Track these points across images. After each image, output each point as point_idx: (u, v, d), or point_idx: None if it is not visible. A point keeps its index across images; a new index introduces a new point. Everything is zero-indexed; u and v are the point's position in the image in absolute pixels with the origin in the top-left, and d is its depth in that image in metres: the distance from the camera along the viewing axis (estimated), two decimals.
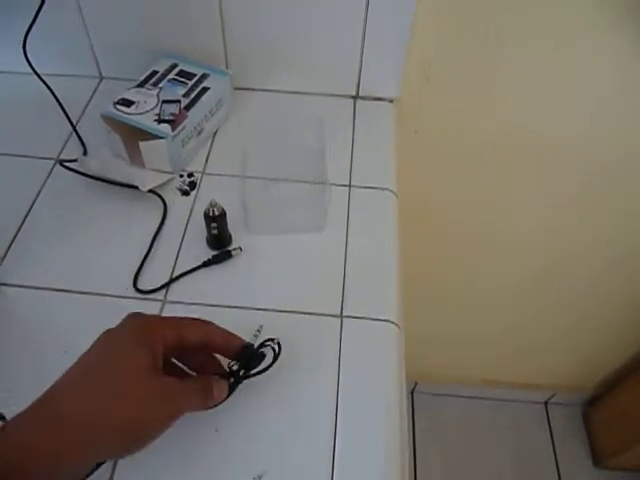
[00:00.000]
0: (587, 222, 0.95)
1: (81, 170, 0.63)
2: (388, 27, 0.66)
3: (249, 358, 0.45)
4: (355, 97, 0.75)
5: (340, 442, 0.46)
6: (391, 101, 0.75)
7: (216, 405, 0.43)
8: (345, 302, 0.55)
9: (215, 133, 0.70)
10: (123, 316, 0.42)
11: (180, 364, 0.45)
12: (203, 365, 0.45)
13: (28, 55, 0.62)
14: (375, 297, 0.55)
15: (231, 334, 0.44)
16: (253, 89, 0.75)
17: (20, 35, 0.61)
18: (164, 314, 0.53)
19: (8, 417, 0.41)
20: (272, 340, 0.46)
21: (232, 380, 0.44)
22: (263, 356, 0.45)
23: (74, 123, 0.67)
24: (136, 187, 0.61)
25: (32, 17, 0.60)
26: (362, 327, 0.53)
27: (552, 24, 0.66)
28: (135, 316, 0.41)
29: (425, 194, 0.90)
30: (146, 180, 0.62)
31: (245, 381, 0.45)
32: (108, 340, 0.39)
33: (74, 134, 0.67)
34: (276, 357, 0.46)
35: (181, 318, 0.43)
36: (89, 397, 0.35)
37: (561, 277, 1.09)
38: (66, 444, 0.33)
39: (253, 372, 0.45)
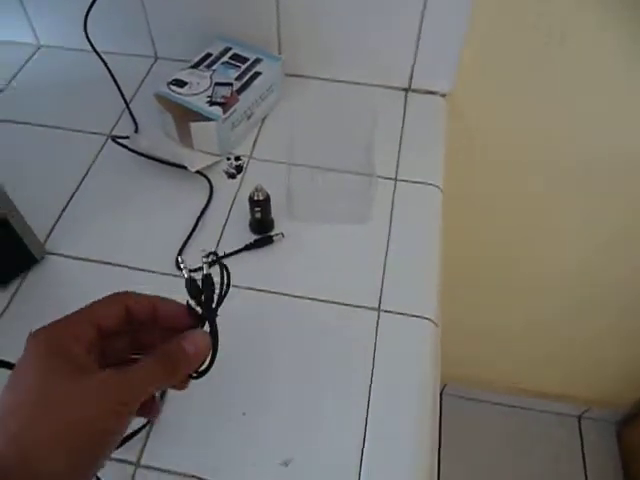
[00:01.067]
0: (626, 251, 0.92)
1: (132, 147, 0.64)
2: (445, 20, 0.65)
3: (198, 289, 0.36)
4: (407, 90, 0.74)
5: (370, 435, 0.46)
6: (443, 95, 0.73)
7: (210, 355, 0.35)
8: (384, 296, 0.54)
9: (264, 118, 0.70)
10: (162, 292, 0.41)
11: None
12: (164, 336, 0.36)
13: (88, 33, 0.64)
14: (415, 293, 0.55)
15: (159, 298, 0.36)
16: (304, 76, 0.75)
17: (81, 13, 0.62)
18: None
19: None
20: (207, 256, 0.37)
21: (207, 323, 0.36)
22: (210, 276, 0.36)
23: (128, 101, 0.68)
24: (184, 167, 0.61)
25: None
26: (399, 322, 0.52)
27: (622, 22, 0.63)
28: (34, 335, 0.34)
29: (471, 192, 0.87)
30: (194, 161, 0.62)
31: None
32: (15, 378, 0.32)
33: (127, 111, 0.68)
34: (223, 266, 0.36)
35: (91, 303, 0.36)
36: (18, 436, 0.29)
37: (605, 284, 1.05)
38: None
39: (216, 299, 0.36)
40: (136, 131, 0.67)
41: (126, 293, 0.36)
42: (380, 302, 0.54)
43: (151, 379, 0.33)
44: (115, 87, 0.67)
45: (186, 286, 0.35)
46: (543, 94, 0.73)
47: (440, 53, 0.69)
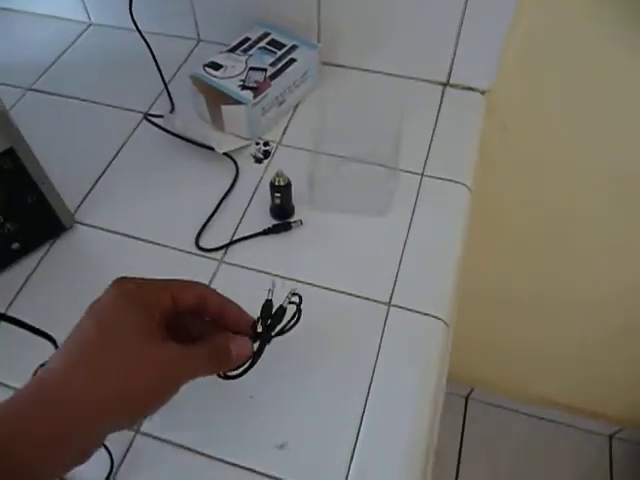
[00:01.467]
0: None
1: (164, 127, 0.66)
2: (488, 14, 0.63)
3: (270, 314, 0.42)
4: (445, 84, 0.72)
5: (365, 427, 0.46)
6: (482, 92, 0.71)
7: (246, 366, 0.40)
8: (396, 291, 0.54)
9: (297, 105, 0.70)
10: (181, 269, 0.43)
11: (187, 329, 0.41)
12: (210, 330, 0.40)
13: (133, 12, 0.66)
14: (427, 291, 0.54)
15: (229, 301, 0.40)
16: (342, 66, 0.74)
17: None
18: (219, 274, 0.55)
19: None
20: (293, 295, 0.43)
21: (259, 341, 0.41)
22: (284, 310, 0.42)
23: (166, 81, 0.70)
24: (212, 148, 0.63)
25: None
26: (408, 319, 0.52)
27: None
28: (122, 282, 0.37)
29: (504, 193, 0.85)
30: (223, 143, 0.63)
31: (280, 347, 0.42)
32: (99, 311, 0.35)
33: (165, 91, 0.70)
34: (299, 310, 0.42)
35: (172, 280, 0.39)
36: (87, 375, 0.33)
37: None
38: (64, 428, 0.31)
39: (278, 329, 0.42)
40: (172, 111, 0.69)
41: (207, 287, 0.41)
42: (391, 297, 0.53)
43: (200, 366, 0.37)
44: (156, 67, 0.69)
45: (263, 306, 0.42)
46: (588, 98, 0.70)
47: (481, 48, 0.67)
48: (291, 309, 0.42)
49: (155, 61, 0.68)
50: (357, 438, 0.45)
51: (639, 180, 0.77)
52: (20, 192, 0.51)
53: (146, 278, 0.37)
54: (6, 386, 0.48)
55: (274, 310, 0.42)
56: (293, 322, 0.42)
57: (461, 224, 0.60)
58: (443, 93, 0.71)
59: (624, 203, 0.81)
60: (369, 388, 0.48)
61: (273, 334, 0.41)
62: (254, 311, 0.42)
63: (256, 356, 0.40)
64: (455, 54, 0.68)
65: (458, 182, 0.62)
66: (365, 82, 0.73)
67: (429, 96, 0.71)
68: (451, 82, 0.72)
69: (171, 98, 0.70)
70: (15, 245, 0.54)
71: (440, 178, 0.63)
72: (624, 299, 1.01)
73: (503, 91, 0.71)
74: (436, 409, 0.50)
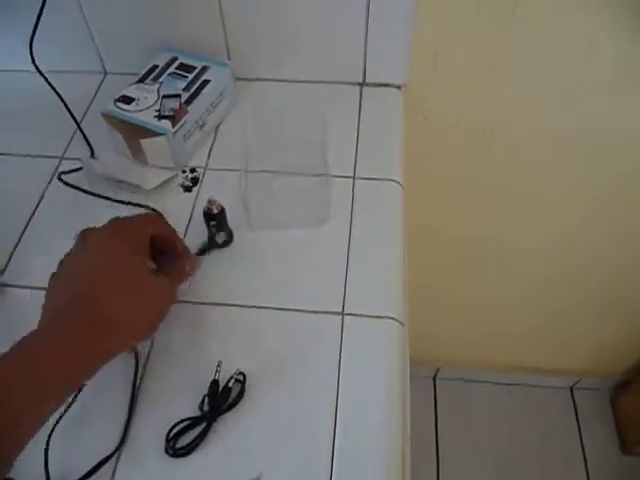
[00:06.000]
0: (607, 217, 0.92)
1: (86, 175, 0.63)
2: (392, 11, 0.64)
3: (215, 394, 0.47)
4: (362, 84, 0.73)
5: (339, 442, 0.46)
6: (399, 87, 0.72)
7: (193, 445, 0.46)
8: (347, 299, 0.54)
9: (218, 126, 0.69)
10: None
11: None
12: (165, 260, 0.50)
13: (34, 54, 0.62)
14: (377, 293, 0.54)
15: (174, 229, 0.51)
16: (257, 79, 0.74)
17: (22, 34, 0.61)
18: None
19: None
20: (237, 374, 0.48)
21: (205, 424, 0.46)
22: (229, 390, 0.47)
23: (79, 121, 0.67)
24: (139, 186, 0.61)
25: (35, 16, 0.60)
26: (363, 324, 0.52)
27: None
28: (119, 220, 0.47)
29: (433, 184, 0.87)
30: (148, 179, 0.61)
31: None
32: (104, 241, 0.44)
33: (79, 133, 0.67)
34: (243, 389, 0.48)
35: (145, 214, 0.52)
36: (119, 296, 0.42)
37: (589, 254, 1.05)
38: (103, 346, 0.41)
39: (223, 408, 0.47)
40: (92, 154, 0.66)
41: (161, 216, 0.52)
42: (344, 306, 0.53)
43: (176, 285, 0.51)
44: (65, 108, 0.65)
45: (210, 385, 0.47)
46: (499, 79, 0.72)
47: (391, 45, 0.68)
48: (237, 387, 0.47)
49: (64, 102, 0.64)
50: (332, 456, 0.45)
51: (562, 144, 0.80)
52: None
53: (131, 218, 0.48)
54: None
55: (220, 389, 0.47)
56: (234, 403, 0.47)
57: (399, 221, 0.61)
58: (361, 93, 0.72)
59: (551, 170, 0.85)
60: (336, 400, 0.48)
61: (219, 412, 0.46)
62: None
63: (204, 433, 0.45)
64: (366, 53, 0.69)
65: (390, 179, 0.63)
66: (283, 92, 0.73)
67: (348, 97, 0.72)
68: (367, 81, 0.72)
69: (87, 139, 0.67)
70: None
71: (372, 178, 0.63)
72: (560, 249, 1.05)
73: (418, 84, 0.73)
74: (405, 406, 0.51)
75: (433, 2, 0.65)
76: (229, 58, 0.71)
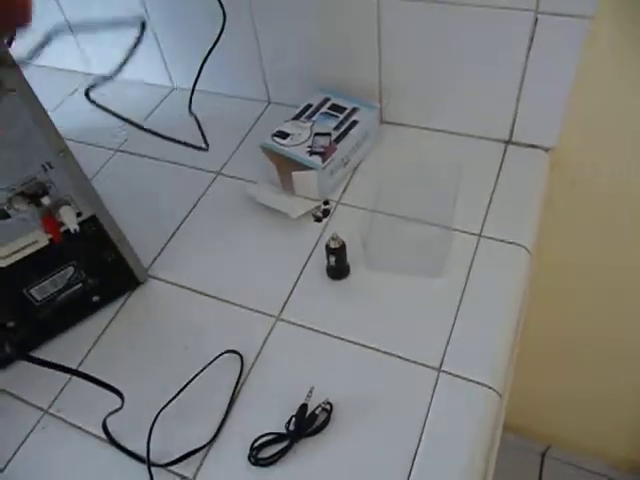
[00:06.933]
0: None
1: (253, 198, 0.69)
2: (550, 70, 0.62)
3: (303, 417, 0.49)
4: (507, 142, 0.72)
5: None
6: (546, 150, 0.70)
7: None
8: (447, 356, 0.53)
9: (358, 164, 0.73)
10: (242, 325, 0.50)
11: None
12: None
13: (206, 76, 0.71)
14: (481, 358, 0.53)
15: None
16: (402, 124, 0.76)
17: (199, 57, 0.70)
18: (275, 330, 0.58)
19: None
20: (325, 403, 0.50)
21: (288, 442, 0.49)
22: (315, 417, 0.50)
23: (237, 145, 0.75)
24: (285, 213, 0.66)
25: (212, 42, 0.68)
26: (458, 386, 0.51)
27: None
28: None
29: (570, 253, 0.82)
30: (295, 208, 0.66)
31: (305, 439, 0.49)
32: None
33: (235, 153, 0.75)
34: (329, 418, 0.50)
35: None
36: None
37: None
38: None
39: (307, 432, 0.49)
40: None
41: None
42: (442, 362, 0.53)
43: None
44: (229, 127, 0.74)
45: (299, 408, 0.50)
46: None
47: (544, 105, 0.66)
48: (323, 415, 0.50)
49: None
50: None
51: None
52: (101, 252, 0.57)
53: None
54: (79, 429, 0.53)
55: (307, 414, 0.50)
56: (318, 428, 0.50)
57: (519, 288, 0.59)
58: (505, 151, 0.71)
59: None
60: (414, 456, 0.48)
61: (302, 434, 0.49)
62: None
63: (285, 450, 0.48)
64: (516, 113, 0.68)
65: (518, 244, 0.61)
66: (425, 140, 0.74)
67: (491, 154, 0.71)
68: (513, 140, 0.71)
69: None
70: (95, 298, 0.60)
71: (498, 239, 0.62)
72: None
73: (570, 147, 0.69)
74: (486, 477, 0.49)
75: (588, 68, 0.62)
76: (380, 100, 0.74)
